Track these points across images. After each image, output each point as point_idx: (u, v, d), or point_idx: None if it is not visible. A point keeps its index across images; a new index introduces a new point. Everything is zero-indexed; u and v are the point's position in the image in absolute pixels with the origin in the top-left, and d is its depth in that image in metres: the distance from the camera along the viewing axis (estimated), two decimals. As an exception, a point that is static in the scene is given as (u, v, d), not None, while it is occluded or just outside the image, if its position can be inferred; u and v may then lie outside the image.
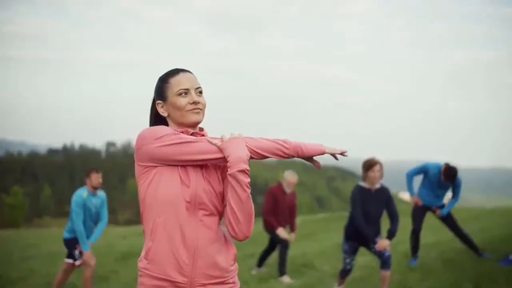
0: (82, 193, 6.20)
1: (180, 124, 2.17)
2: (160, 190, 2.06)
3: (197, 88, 2.17)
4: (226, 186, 2.12)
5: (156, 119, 2.24)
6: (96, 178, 6.24)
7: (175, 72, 2.20)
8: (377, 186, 5.38)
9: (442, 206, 6.97)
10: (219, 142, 2.08)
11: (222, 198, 2.15)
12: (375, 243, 5.24)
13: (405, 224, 7.05)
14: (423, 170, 6.96)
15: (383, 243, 5.22)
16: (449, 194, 7.07)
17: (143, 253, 2.12)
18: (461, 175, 6.82)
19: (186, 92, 2.14)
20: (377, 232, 5.38)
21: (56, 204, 61.60)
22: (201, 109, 2.16)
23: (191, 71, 2.22)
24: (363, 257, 7.18)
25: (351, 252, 5.54)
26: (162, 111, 2.20)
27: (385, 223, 5.43)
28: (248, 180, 2.04)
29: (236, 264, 2.21)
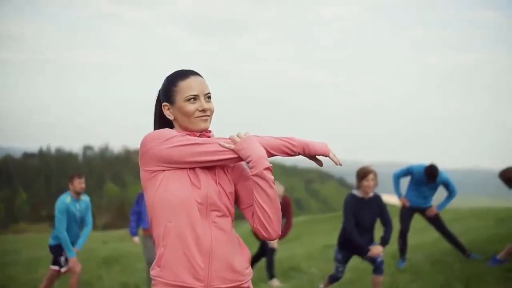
0: (65, 199, 6.07)
1: (186, 129, 2.10)
2: (170, 193, 1.98)
3: (206, 93, 2.10)
4: (245, 187, 2.09)
5: (161, 121, 2.17)
6: (78, 183, 6.12)
7: (185, 74, 2.11)
8: (371, 194, 5.33)
9: (429, 207, 6.96)
10: (229, 143, 2.02)
11: (233, 199, 2.10)
12: (367, 251, 5.19)
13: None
14: (409, 172, 6.97)
15: (376, 249, 5.17)
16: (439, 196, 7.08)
17: (155, 261, 2.04)
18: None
19: (195, 98, 2.07)
20: (371, 241, 5.33)
21: (32, 209, 60.58)
22: (209, 116, 2.10)
23: (200, 74, 2.14)
24: (353, 259, 7.14)
25: (344, 261, 5.50)
26: (169, 114, 2.13)
27: (377, 230, 5.39)
28: (273, 177, 2.01)
29: (251, 268, 2.15)
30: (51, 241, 6.23)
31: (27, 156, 78.72)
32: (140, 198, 6.83)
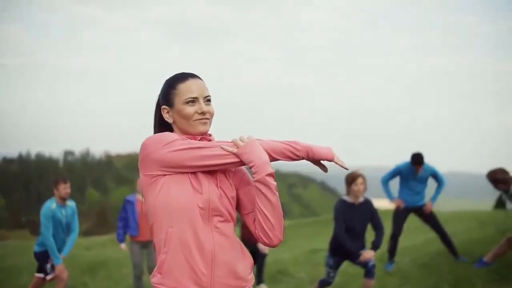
0: (50, 204, 5.96)
1: (186, 133, 2.07)
2: (171, 198, 1.94)
3: (206, 96, 2.07)
4: (247, 192, 2.06)
5: (161, 124, 2.14)
6: (64, 189, 6.00)
7: (184, 77, 2.09)
8: (361, 199, 5.34)
9: (424, 205, 6.99)
10: (232, 147, 1.99)
11: (235, 204, 2.07)
12: (359, 256, 5.19)
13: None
14: (396, 172, 7.01)
15: (367, 254, 5.17)
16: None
17: (156, 268, 2.00)
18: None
19: (195, 100, 2.04)
20: (362, 246, 5.33)
21: (11, 215, 59.70)
22: (208, 119, 2.07)
23: (200, 77, 2.12)
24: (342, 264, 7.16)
25: (336, 266, 5.49)
26: (168, 117, 2.10)
27: (369, 234, 5.40)
28: (275, 183, 1.97)
29: (253, 274, 2.11)
30: (36, 248, 6.11)
31: (6, 161, 77.62)
32: (127, 204, 6.75)
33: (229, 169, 2.08)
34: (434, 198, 7.00)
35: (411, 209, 7.03)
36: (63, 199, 6.02)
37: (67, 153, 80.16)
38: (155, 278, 1.99)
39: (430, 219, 7.04)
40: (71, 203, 6.19)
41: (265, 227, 1.98)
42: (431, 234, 9.15)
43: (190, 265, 1.93)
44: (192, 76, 2.10)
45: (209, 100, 2.08)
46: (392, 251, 7.00)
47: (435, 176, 6.96)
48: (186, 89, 2.05)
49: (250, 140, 2.00)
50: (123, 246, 6.89)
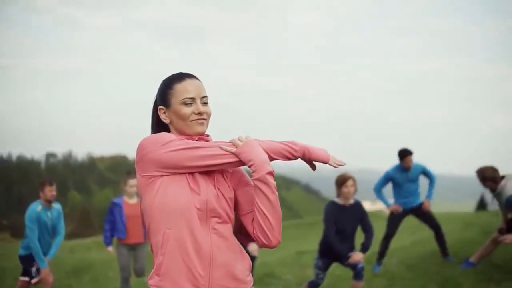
0: (36, 207, 5.88)
1: (183, 133, 2.05)
2: (168, 199, 1.92)
3: (203, 97, 2.05)
4: (245, 193, 2.05)
5: (158, 125, 2.12)
6: (49, 191, 5.92)
7: (181, 77, 2.07)
8: (351, 201, 5.35)
9: (421, 205, 7.01)
10: (231, 147, 1.98)
11: (233, 204, 2.05)
12: (348, 258, 5.19)
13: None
14: (387, 178, 7.03)
15: (356, 256, 5.18)
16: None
17: (153, 270, 1.97)
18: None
19: (192, 101, 2.02)
20: (352, 248, 5.34)
21: (-8, 218, 58.92)
22: (205, 119, 2.05)
23: (197, 77, 2.10)
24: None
25: (325, 268, 5.49)
26: (164, 118, 2.08)
27: (358, 236, 5.41)
28: (275, 182, 1.96)
29: (251, 276, 2.10)
30: (21, 251, 6.03)
31: (-13, 164, 76.54)
32: (114, 206, 6.67)
33: (226, 170, 2.06)
34: (429, 195, 7.02)
35: (408, 211, 7.06)
36: (48, 202, 5.94)
37: (49, 155, 79.29)
38: (152, 280, 1.97)
39: (427, 217, 7.06)
40: (57, 206, 6.11)
41: (264, 227, 1.96)
42: (418, 236, 9.24)
43: (187, 267, 1.91)
44: (189, 76, 2.08)
45: (206, 101, 2.06)
46: (382, 252, 7.03)
47: (426, 172, 7.00)
48: (183, 89, 2.03)
49: (248, 139, 1.99)
50: (110, 249, 6.81)
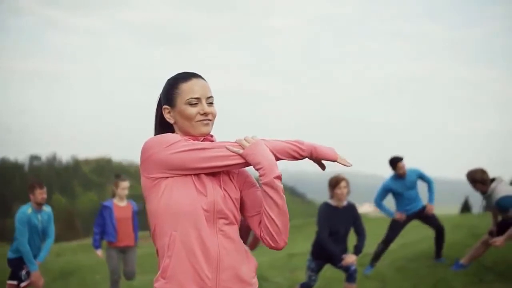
0: (26, 209, 5.81)
1: (187, 134, 2.02)
2: (174, 201, 1.89)
3: (209, 97, 2.01)
4: (251, 194, 2.03)
5: (162, 124, 2.08)
6: (40, 194, 5.85)
7: (186, 77, 2.03)
8: (344, 203, 5.35)
9: (424, 208, 7.02)
10: (237, 147, 1.95)
11: (239, 205, 2.02)
12: (341, 260, 5.20)
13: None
14: (386, 189, 7.05)
15: (349, 258, 5.18)
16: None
17: (159, 272, 1.94)
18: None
19: (197, 101, 1.99)
20: (344, 250, 5.34)
21: (-26, 221, 58.13)
22: (210, 120, 2.01)
23: (201, 75, 2.06)
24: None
25: (317, 270, 5.49)
26: (169, 117, 2.04)
27: (351, 238, 5.42)
28: (282, 185, 1.95)
29: (256, 278, 2.07)
30: (11, 255, 5.94)
31: (-31, 166, 75.51)
32: (104, 209, 6.61)
33: (232, 171, 2.04)
34: (431, 199, 7.02)
35: (412, 216, 7.06)
36: (39, 204, 5.87)
37: (33, 158, 78.44)
38: (158, 283, 1.93)
39: (430, 219, 7.06)
40: (47, 208, 6.05)
41: (271, 230, 1.94)
42: (407, 238, 9.28)
43: (195, 269, 1.88)
44: (195, 76, 2.04)
45: (212, 101, 2.03)
46: (378, 255, 7.05)
47: (422, 177, 7.01)
48: (188, 89, 1.99)
49: (255, 140, 1.96)
50: (99, 252, 6.74)
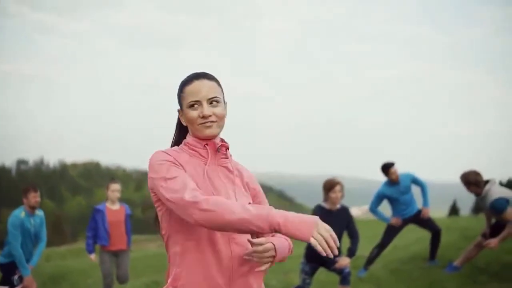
0: (19, 213, 5.75)
1: (196, 136, 1.99)
2: None
3: (210, 98, 1.95)
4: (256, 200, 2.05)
5: (180, 126, 2.09)
6: (33, 197, 5.81)
7: (190, 79, 1.99)
8: (338, 206, 5.36)
9: (419, 212, 7.03)
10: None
11: None
12: (335, 263, 5.20)
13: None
14: (380, 196, 7.06)
15: (343, 261, 5.19)
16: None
17: (169, 281, 1.91)
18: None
19: (197, 104, 1.95)
20: (338, 253, 5.32)
21: (-40, 226, 57.44)
22: (214, 121, 1.95)
23: (211, 75, 2.02)
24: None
25: (311, 273, 5.49)
26: (183, 120, 2.03)
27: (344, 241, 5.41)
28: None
29: (263, 285, 2.06)
30: (2, 259, 5.87)
31: (-44, 171, 74.65)
32: (96, 213, 6.55)
33: (244, 177, 2.05)
34: (426, 203, 7.02)
35: (407, 220, 7.08)
36: (32, 208, 5.83)
37: (20, 162, 77.78)
38: None
39: (426, 222, 7.07)
40: (39, 212, 6.01)
41: None
42: (400, 241, 9.30)
43: (207, 280, 1.86)
44: (198, 77, 1.99)
45: (216, 101, 1.96)
46: (372, 259, 7.06)
47: (416, 181, 7.03)
48: (189, 92, 1.96)
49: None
50: (92, 257, 6.68)
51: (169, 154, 1.92)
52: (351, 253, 5.31)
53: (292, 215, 1.73)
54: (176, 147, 2.03)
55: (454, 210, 47.13)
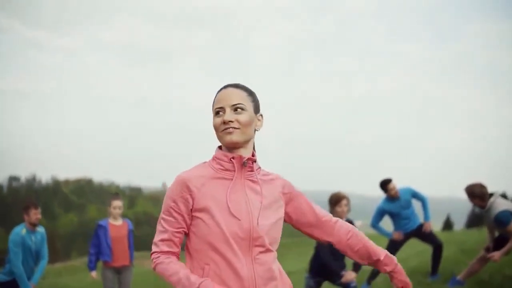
0: (20, 230, 5.74)
1: (222, 144, 1.99)
2: (205, 232, 1.87)
3: (234, 104, 1.93)
4: (297, 206, 2.06)
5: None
6: (34, 214, 5.80)
7: (220, 89, 2.01)
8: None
9: (421, 226, 7.04)
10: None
11: (281, 227, 1.99)
12: (340, 277, 5.20)
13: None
14: (381, 212, 7.10)
15: (349, 275, 5.18)
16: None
17: None
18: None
19: (221, 110, 1.94)
20: (343, 266, 5.35)
21: (-49, 244, 56.73)
22: (236, 128, 1.92)
23: (241, 85, 2.03)
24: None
25: (316, 287, 5.47)
26: None
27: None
28: None
29: None
30: (3, 277, 5.84)
31: None
32: (99, 229, 6.51)
33: (278, 188, 2.03)
34: (427, 217, 7.04)
35: (409, 234, 7.09)
36: (33, 225, 5.81)
37: (12, 179, 77.15)
38: None
39: (428, 236, 7.07)
40: (40, 229, 5.99)
41: None
42: (398, 255, 9.30)
43: None
44: (227, 86, 2.00)
45: (240, 108, 1.94)
46: (376, 274, 7.04)
47: (416, 196, 7.05)
48: (216, 101, 1.98)
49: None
50: (93, 274, 6.62)
51: (179, 189, 1.91)
52: (357, 267, 5.31)
53: None
54: (204, 162, 2.02)
55: (448, 225, 47.14)
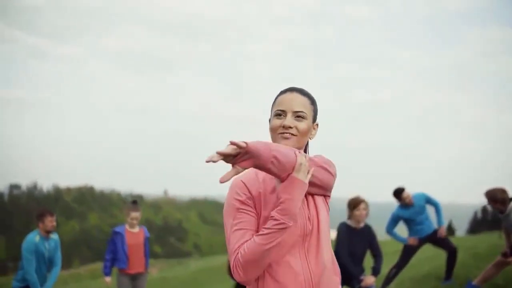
0: (33, 237, 5.75)
1: None
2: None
3: (296, 111, 1.94)
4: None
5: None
6: (50, 222, 5.81)
7: (285, 91, 2.01)
8: (361, 224, 5.39)
9: (435, 231, 7.06)
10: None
11: (328, 221, 1.99)
12: (360, 281, 5.21)
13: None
14: (396, 219, 7.11)
15: (368, 280, 5.20)
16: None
17: None
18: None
19: (282, 113, 1.94)
20: (362, 270, 5.36)
21: (-47, 253, 56.62)
22: (293, 134, 1.92)
23: (306, 91, 2.03)
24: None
25: None
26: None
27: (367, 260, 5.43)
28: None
29: None
30: (16, 284, 5.84)
31: None
32: (115, 235, 6.50)
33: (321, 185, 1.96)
34: (440, 222, 7.08)
35: (424, 240, 7.11)
36: (48, 232, 5.82)
37: (13, 187, 77.01)
38: None
39: (443, 241, 7.10)
40: (54, 236, 5.99)
41: None
42: (411, 261, 9.31)
43: None
44: (292, 90, 2.00)
45: (301, 116, 1.95)
46: (390, 280, 7.05)
47: (430, 201, 7.08)
48: (278, 102, 1.98)
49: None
50: (108, 279, 6.63)
51: (240, 192, 1.88)
52: (375, 271, 5.33)
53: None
54: None
55: (450, 231, 47.09)
